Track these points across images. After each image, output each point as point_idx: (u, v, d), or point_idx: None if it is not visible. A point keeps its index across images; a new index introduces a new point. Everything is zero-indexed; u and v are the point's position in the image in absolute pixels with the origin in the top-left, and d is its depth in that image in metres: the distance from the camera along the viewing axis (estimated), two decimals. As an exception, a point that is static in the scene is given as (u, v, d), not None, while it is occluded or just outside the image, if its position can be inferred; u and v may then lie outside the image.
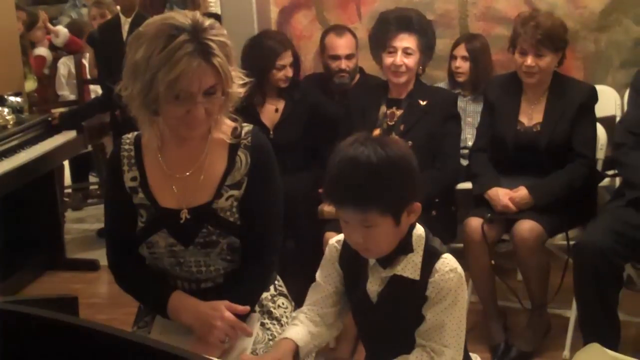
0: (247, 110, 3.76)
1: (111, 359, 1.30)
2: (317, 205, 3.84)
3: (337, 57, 4.31)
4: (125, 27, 5.10)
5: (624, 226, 3.21)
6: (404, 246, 1.96)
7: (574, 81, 3.78)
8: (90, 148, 5.91)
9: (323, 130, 4.03)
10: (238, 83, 2.13)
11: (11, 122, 4.69)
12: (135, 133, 2.30)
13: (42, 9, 7.18)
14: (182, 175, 2.23)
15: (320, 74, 4.54)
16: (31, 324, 1.37)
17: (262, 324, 2.33)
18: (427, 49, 3.78)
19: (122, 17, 5.17)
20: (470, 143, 4.22)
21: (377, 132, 3.65)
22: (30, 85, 6.05)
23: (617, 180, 3.86)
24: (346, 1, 4.89)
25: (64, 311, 1.54)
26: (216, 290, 2.26)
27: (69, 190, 6.68)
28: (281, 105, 4.14)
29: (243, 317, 2.21)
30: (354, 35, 4.38)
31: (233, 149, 2.25)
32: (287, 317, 2.40)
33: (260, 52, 4.05)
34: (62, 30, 6.93)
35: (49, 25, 6.83)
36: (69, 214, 6.31)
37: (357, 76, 4.42)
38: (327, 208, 3.70)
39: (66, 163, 6.15)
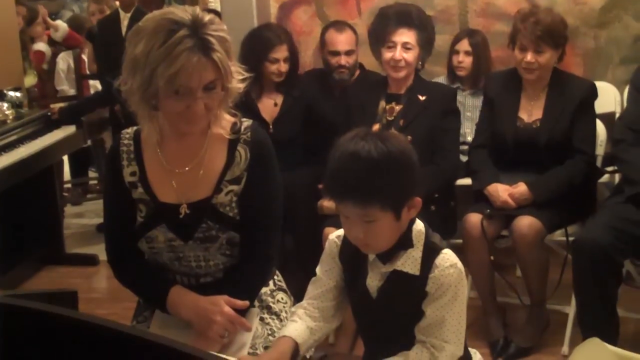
0: (247, 105, 3.78)
1: (111, 353, 1.30)
2: (316, 201, 3.84)
3: (337, 53, 4.31)
4: (125, 23, 5.11)
5: (623, 222, 3.21)
6: (404, 241, 1.96)
7: (573, 77, 3.78)
8: (89, 143, 5.91)
9: (321, 128, 4.04)
10: (237, 78, 2.13)
11: (10, 117, 4.69)
12: (135, 128, 2.30)
13: (43, 3, 7.17)
14: (181, 170, 2.23)
15: (319, 69, 4.54)
16: (31, 318, 1.37)
17: (262, 319, 2.33)
18: (426, 44, 3.77)
19: (122, 13, 5.18)
20: (469, 138, 4.22)
21: (376, 127, 3.65)
22: (30, 80, 6.04)
23: (617, 177, 3.87)
24: (346, -3, 4.90)
25: (64, 305, 1.54)
26: (215, 285, 2.27)
27: (69, 185, 6.68)
28: (280, 99, 4.15)
29: (242, 312, 2.21)
30: (354, 31, 4.37)
31: (232, 144, 2.24)
32: (286, 312, 2.40)
33: (255, 43, 4.07)
34: (61, 24, 6.93)
35: (48, 20, 6.83)
36: (69, 209, 6.32)
37: (357, 72, 4.42)
38: (327, 203, 3.70)
39: (65, 158, 6.16)
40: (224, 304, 2.17)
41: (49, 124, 4.99)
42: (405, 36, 3.68)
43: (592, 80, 3.87)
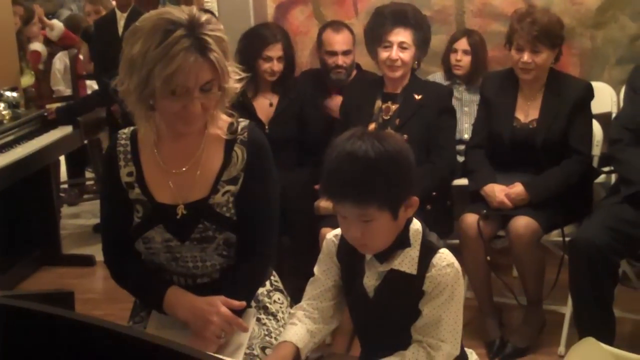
0: (243, 105, 3.79)
1: (108, 354, 1.30)
2: (313, 201, 3.85)
3: (334, 53, 4.31)
4: (121, 23, 5.11)
5: (619, 223, 3.22)
6: (401, 241, 1.96)
7: (570, 78, 3.78)
8: (86, 142, 5.90)
9: (315, 129, 4.05)
10: (234, 78, 2.13)
11: (7, 117, 4.68)
12: (131, 128, 2.29)
13: (40, 3, 7.16)
14: (178, 170, 2.23)
15: (316, 70, 4.54)
16: (28, 319, 1.37)
17: (258, 319, 2.33)
18: (422, 43, 3.78)
19: (118, 13, 5.17)
20: (466, 135, 4.22)
21: (372, 126, 3.66)
22: (28, 80, 6.04)
23: (613, 177, 3.87)
24: (343, -3, 4.90)
25: (60, 306, 1.53)
26: (212, 285, 2.27)
27: (65, 186, 6.67)
28: (275, 100, 4.15)
29: (239, 313, 2.21)
30: (351, 32, 4.37)
31: (229, 145, 2.24)
32: (283, 312, 2.40)
33: (251, 40, 4.08)
34: (57, 24, 6.92)
35: (44, 19, 6.82)
36: (65, 210, 6.30)
37: (354, 72, 4.42)
38: (323, 204, 3.70)
39: (62, 158, 6.14)
40: (220, 305, 2.17)
41: (46, 124, 4.99)
42: (402, 36, 3.69)
43: (588, 80, 3.88)
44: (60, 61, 6.60)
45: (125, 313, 2.50)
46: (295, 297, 2.52)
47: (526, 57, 3.57)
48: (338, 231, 2.07)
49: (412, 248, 1.96)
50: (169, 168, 2.23)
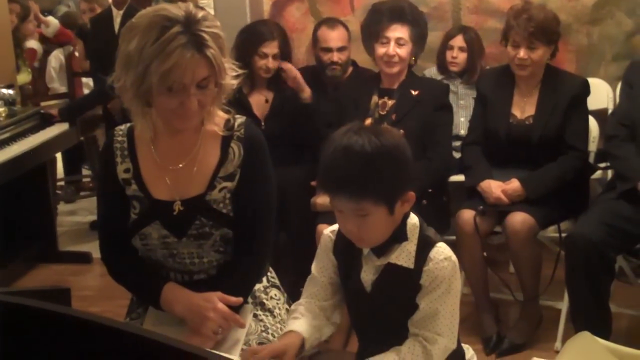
0: (239, 101, 3.79)
1: (105, 350, 1.30)
2: (309, 198, 3.85)
3: (329, 50, 4.31)
4: (117, 20, 5.10)
5: (615, 218, 3.22)
6: (398, 235, 1.96)
7: (566, 74, 3.79)
8: (82, 139, 5.90)
9: (310, 125, 4.05)
10: (231, 75, 2.13)
11: (3, 115, 4.68)
12: (128, 125, 2.30)
13: (36, 0, 7.16)
14: (175, 167, 2.23)
15: (312, 67, 4.54)
16: (25, 315, 1.37)
17: (255, 316, 2.33)
18: (419, 39, 3.78)
19: (114, 10, 5.17)
20: (462, 131, 4.23)
21: (368, 121, 3.66)
22: (24, 77, 6.03)
23: (609, 173, 3.88)
24: (339, -7, 4.90)
25: (57, 303, 1.53)
26: (209, 281, 2.26)
27: (62, 183, 6.67)
28: (271, 96, 4.15)
29: (236, 309, 2.21)
30: (347, 28, 4.37)
31: (226, 141, 2.24)
32: (279, 308, 2.40)
33: (247, 36, 4.08)
34: (52, 21, 6.92)
35: (40, 16, 6.82)
36: (62, 207, 6.30)
37: (350, 69, 4.42)
38: (320, 200, 3.70)
39: (59, 155, 6.14)
40: (217, 301, 2.17)
41: (42, 122, 4.98)
42: (399, 32, 3.69)
43: (584, 76, 3.88)
44: (56, 59, 6.60)
45: (122, 310, 2.51)
46: (292, 293, 2.52)
47: (522, 53, 3.57)
48: (335, 227, 2.07)
49: (409, 242, 1.96)
50: (166, 164, 2.23)
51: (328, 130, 3.41)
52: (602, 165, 3.87)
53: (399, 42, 3.68)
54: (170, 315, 2.23)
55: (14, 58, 5.56)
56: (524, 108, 3.71)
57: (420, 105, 3.71)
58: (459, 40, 4.43)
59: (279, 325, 2.33)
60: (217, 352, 2.00)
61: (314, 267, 2.14)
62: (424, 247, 1.96)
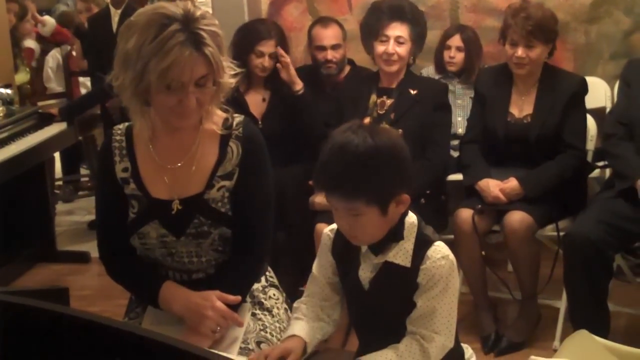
0: (236, 100, 3.78)
1: (104, 349, 1.30)
2: (308, 197, 3.85)
3: (323, 48, 4.30)
4: (115, 19, 5.10)
5: (613, 217, 3.23)
6: (395, 234, 1.95)
7: (564, 72, 3.79)
8: (80, 139, 5.90)
9: (305, 119, 4.05)
10: (229, 73, 2.13)
11: (1, 114, 4.68)
12: (126, 124, 2.29)
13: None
14: (173, 165, 2.22)
15: (309, 66, 4.53)
16: (23, 315, 1.37)
17: (254, 315, 2.33)
18: (418, 38, 3.79)
19: (112, 9, 5.17)
20: (460, 129, 4.23)
21: (367, 120, 3.66)
22: (23, 77, 6.04)
23: (607, 172, 3.88)
24: (337, -8, 4.89)
25: (55, 302, 1.53)
26: (207, 280, 2.26)
27: (60, 183, 6.67)
28: (268, 95, 4.15)
29: (234, 308, 2.21)
30: (341, 26, 4.37)
31: (224, 140, 2.24)
32: (278, 307, 2.40)
33: (244, 34, 4.07)
34: (49, 20, 6.92)
35: (36, 15, 6.81)
36: (60, 206, 6.30)
37: (348, 68, 4.42)
38: (318, 199, 3.71)
39: (57, 155, 6.14)
40: (215, 300, 2.17)
41: (40, 121, 4.98)
42: (398, 30, 3.70)
43: (582, 75, 3.89)
44: (53, 58, 6.60)
45: (120, 309, 2.51)
46: (290, 292, 2.52)
47: (520, 52, 3.57)
48: (334, 226, 2.07)
49: (407, 241, 1.96)
50: (164, 163, 2.22)
51: (326, 130, 3.43)
52: (600, 163, 3.87)
53: (398, 41, 3.69)
54: (169, 315, 2.23)
55: (12, 57, 5.56)
56: (522, 107, 3.71)
57: (419, 104, 3.71)
58: (456, 40, 4.42)
59: (277, 325, 2.33)
60: (216, 351, 2.01)
61: (314, 266, 2.14)
62: (422, 245, 1.95)
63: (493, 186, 3.58)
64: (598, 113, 4.09)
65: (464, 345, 2.17)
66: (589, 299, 3.24)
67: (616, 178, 3.40)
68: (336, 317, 2.14)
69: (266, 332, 2.29)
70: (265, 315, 2.35)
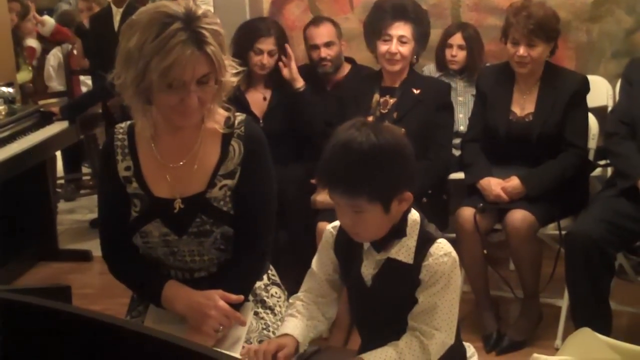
0: (237, 99, 3.78)
1: (106, 347, 1.30)
2: (309, 195, 3.84)
3: (316, 47, 4.30)
4: (117, 18, 5.10)
5: (615, 216, 3.22)
6: (397, 231, 1.96)
7: (566, 71, 3.78)
8: (82, 137, 5.90)
9: (306, 116, 4.05)
10: (231, 72, 2.13)
11: (3, 113, 4.68)
12: (128, 122, 2.29)
13: (37, -2, 7.17)
14: (175, 164, 2.22)
15: (308, 65, 4.53)
16: (26, 313, 1.37)
17: (256, 313, 2.33)
18: (421, 38, 3.79)
19: (114, 8, 5.16)
20: (462, 127, 4.23)
21: (369, 119, 3.66)
22: (24, 76, 6.04)
23: (609, 170, 3.87)
24: (338, -9, 4.89)
25: (57, 301, 1.54)
26: (210, 279, 2.27)
27: (62, 181, 6.67)
28: (269, 94, 4.14)
29: (237, 307, 2.21)
30: (335, 24, 4.35)
31: (226, 139, 2.24)
32: (280, 306, 2.40)
33: (244, 31, 4.07)
34: (48, 20, 6.92)
35: (36, 15, 6.81)
36: (62, 205, 6.30)
37: (349, 67, 4.41)
38: (320, 198, 3.71)
39: (59, 154, 6.14)
40: (218, 299, 2.17)
41: (42, 120, 4.98)
42: (402, 29, 3.70)
43: (584, 74, 3.88)
44: (54, 57, 6.60)
45: (122, 308, 2.51)
46: (292, 291, 2.51)
47: (522, 50, 3.57)
48: (337, 223, 2.07)
49: (409, 238, 1.96)
50: (166, 162, 2.22)
51: (327, 128, 3.42)
52: (602, 162, 3.87)
53: (401, 40, 3.68)
54: (171, 313, 2.23)
55: (14, 56, 5.56)
56: (523, 105, 3.71)
57: (421, 104, 3.71)
58: (457, 39, 4.42)
59: (279, 323, 2.33)
60: (219, 350, 2.01)
61: (314, 262, 2.14)
62: (424, 243, 1.96)
63: (495, 185, 3.58)
64: (600, 112, 4.09)
65: (466, 344, 2.17)
66: (590, 298, 3.24)
67: (618, 177, 3.40)
68: (331, 315, 2.14)
69: (268, 331, 2.29)
70: (267, 313, 2.36)
